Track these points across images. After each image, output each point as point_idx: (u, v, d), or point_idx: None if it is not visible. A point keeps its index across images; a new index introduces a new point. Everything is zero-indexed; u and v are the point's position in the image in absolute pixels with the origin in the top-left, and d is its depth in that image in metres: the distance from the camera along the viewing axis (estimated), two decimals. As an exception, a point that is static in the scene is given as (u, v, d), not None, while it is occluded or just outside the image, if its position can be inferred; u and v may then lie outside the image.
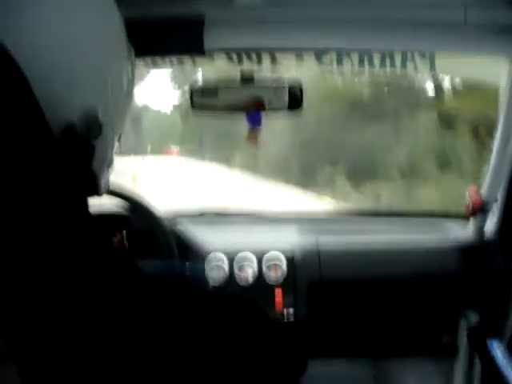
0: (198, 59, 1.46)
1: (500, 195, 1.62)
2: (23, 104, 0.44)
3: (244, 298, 0.55)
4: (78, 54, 0.53)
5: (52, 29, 0.51)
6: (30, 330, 0.43)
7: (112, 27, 0.59)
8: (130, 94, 0.64)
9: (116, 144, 0.64)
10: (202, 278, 0.70)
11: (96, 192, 0.60)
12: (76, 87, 0.53)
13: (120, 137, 0.65)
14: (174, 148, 10.28)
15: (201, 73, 2.08)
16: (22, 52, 0.45)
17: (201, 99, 1.42)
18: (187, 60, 1.47)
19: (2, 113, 0.42)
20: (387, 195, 6.36)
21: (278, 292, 1.58)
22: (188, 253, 1.62)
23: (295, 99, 1.40)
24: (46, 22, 0.50)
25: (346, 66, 1.50)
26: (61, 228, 0.44)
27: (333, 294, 1.67)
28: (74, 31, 0.52)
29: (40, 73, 0.48)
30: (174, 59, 1.47)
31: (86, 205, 0.48)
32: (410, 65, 1.50)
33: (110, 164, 0.63)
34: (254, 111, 1.44)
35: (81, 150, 0.52)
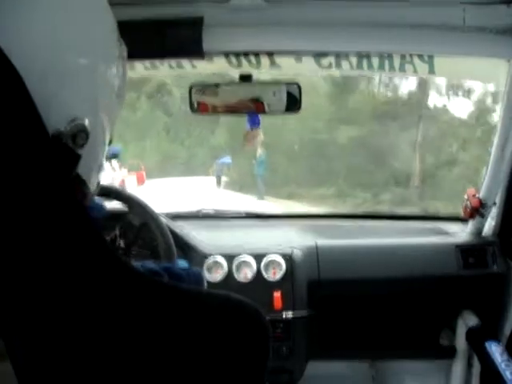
0: (197, 61, 1.46)
1: (498, 197, 1.62)
2: (20, 106, 0.43)
3: (241, 300, 0.55)
4: (66, 56, 0.52)
5: (38, 30, 0.50)
6: (27, 330, 0.44)
7: (102, 28, 0.58)
8: (120, 96, 0.63)
9: (106, 148, 0.63)
10: (199, 279, 0.70)
11: (84, 196, 0.59)
12: (64, 91, 0.52)
13: (111, 141, 0.64)
14: None
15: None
16: (11, 54, 0.44)
17: (200, 100, 1.42)
18: (186, 63, 1.48)
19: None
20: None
21: (277, 292, 1.58)
22: (186, 253, 1.63)
23: (294, 101, 1.41)
24: (35, 23, 0.50)
25: (345, 68, 1.50)
26: (50, 229, 0.44)
27: (331, 294, 1.67)
28: (61, 32, 0.51)
29: (28, 75, 0.47)
30: (173, 62, 1.48)
31: (76, 207, 0.47)
32: (408, 67, 1.50)
33: (99, 169, 0.62)
34: (254, 113, 1.45)
35: (66, 157, 0.51)
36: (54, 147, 0.49)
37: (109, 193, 1.30)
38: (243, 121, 1.46)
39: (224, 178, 14.87)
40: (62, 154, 0.50)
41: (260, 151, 12.64)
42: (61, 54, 0.51)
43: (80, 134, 0.53)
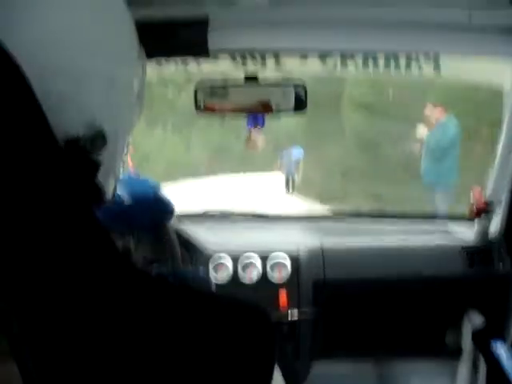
0: (202, 60, 1.46)
1: (504, 196, 1.62)
2: (26, 109, 0.43)
3: (247, 301, 0.55)
4: (84, 58, 0.51)
5: (56, 30, 0.49)
6: (33, 330, 0.44)
7: (121, 28, 0.57)
8: (140, 100, 0.62)
9: (124, 154, 0.62)
10: (205, 279, 0.70)
11: (100, 201, 0.59)
12: (82, 94, 0.51)
13: (128, 146, 0.63)
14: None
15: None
16: (23, 54, 0.43)
17: (206, 100, 1.42)
18: (191, 61, 1.48)
19: (3, 118, 0.41)
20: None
21: (282, 292, 1.58)
22: (192, 254, 1.63)
23: (300, 100, 1.40)
24: (51, 23, 0.49)
25: (350, 67, 1.50)
26: (63, 232, 0.44)
27: (337, 294, 1.67)
28: (79, 32, 0.51)
29: (43, 78, 0.47)
30: (178, 60, 1.48)
31: (89, 211, 0.47)
32: (414, 66, 1.50)
33: (117, 174, 0.61)
34: (262, 113, 1.44)
35: (84, 161, 0.51)
36: (68, 151, 0.49)
37: None
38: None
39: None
40: (80, 159, 0.50)
41: (441, 114, 5.44)
42: (73, 55, 0.50)
43: (97, 139, 0.52)
